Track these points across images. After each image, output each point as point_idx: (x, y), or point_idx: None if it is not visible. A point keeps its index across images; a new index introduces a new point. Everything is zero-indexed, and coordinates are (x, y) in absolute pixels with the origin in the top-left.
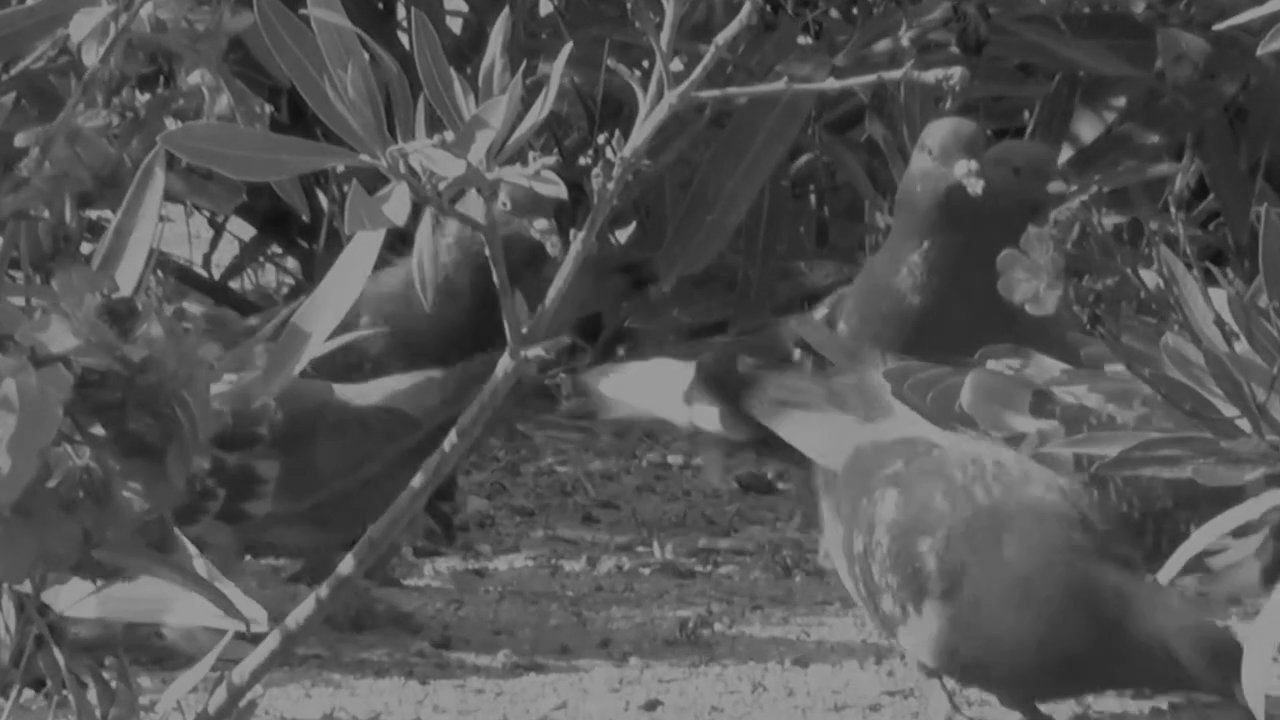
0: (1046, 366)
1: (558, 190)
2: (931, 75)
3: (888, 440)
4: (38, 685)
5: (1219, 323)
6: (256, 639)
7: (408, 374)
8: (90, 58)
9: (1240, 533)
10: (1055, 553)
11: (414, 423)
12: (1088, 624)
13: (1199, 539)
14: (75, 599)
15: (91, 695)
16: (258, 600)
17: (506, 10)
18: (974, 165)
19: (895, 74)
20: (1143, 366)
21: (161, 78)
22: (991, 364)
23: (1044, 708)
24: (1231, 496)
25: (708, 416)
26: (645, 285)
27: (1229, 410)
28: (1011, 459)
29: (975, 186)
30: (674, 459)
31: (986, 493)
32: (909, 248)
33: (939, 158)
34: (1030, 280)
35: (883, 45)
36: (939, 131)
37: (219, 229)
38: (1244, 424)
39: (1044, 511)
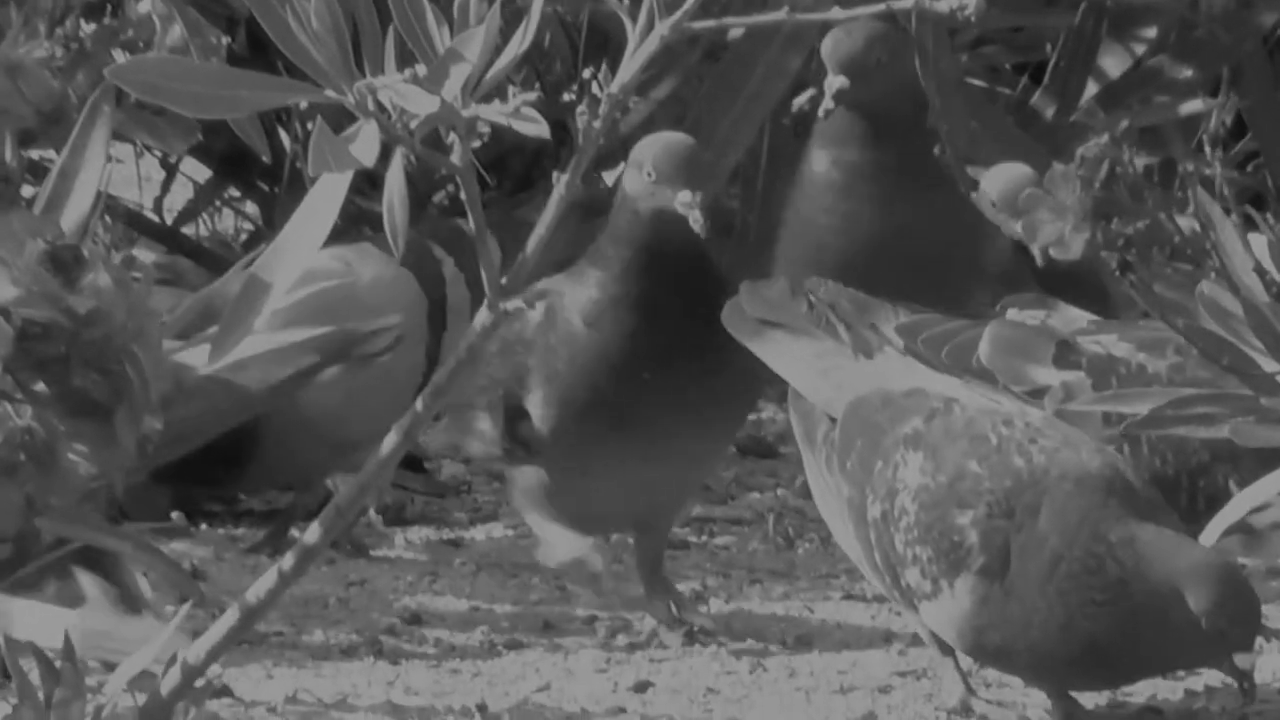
0: (1073, 316)
1: (539, 129)
2: (945, 4)
3: (897, 392)
4: None
5: (1259, 270)
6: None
7: (275, 335)
8: None
9: None
10: (1097, 530)
11: (249, 397)
12: (1123, 605)
13: (1239, 503)
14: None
15: (35, 675)
16: (213, 573)
17: None
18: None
19: (906, 3)
20: (1176, 317)
21: (108, 6)
22: (1013, 314)
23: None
24: (1275, 454)
25: None
26: None
27: (1269, 365)
28: (1040, 418)
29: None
30: None
31: (1027, 460)
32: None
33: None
34: (1055, 222)
35: None
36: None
37: (172, 170)
38: None
39: (1088, 483)
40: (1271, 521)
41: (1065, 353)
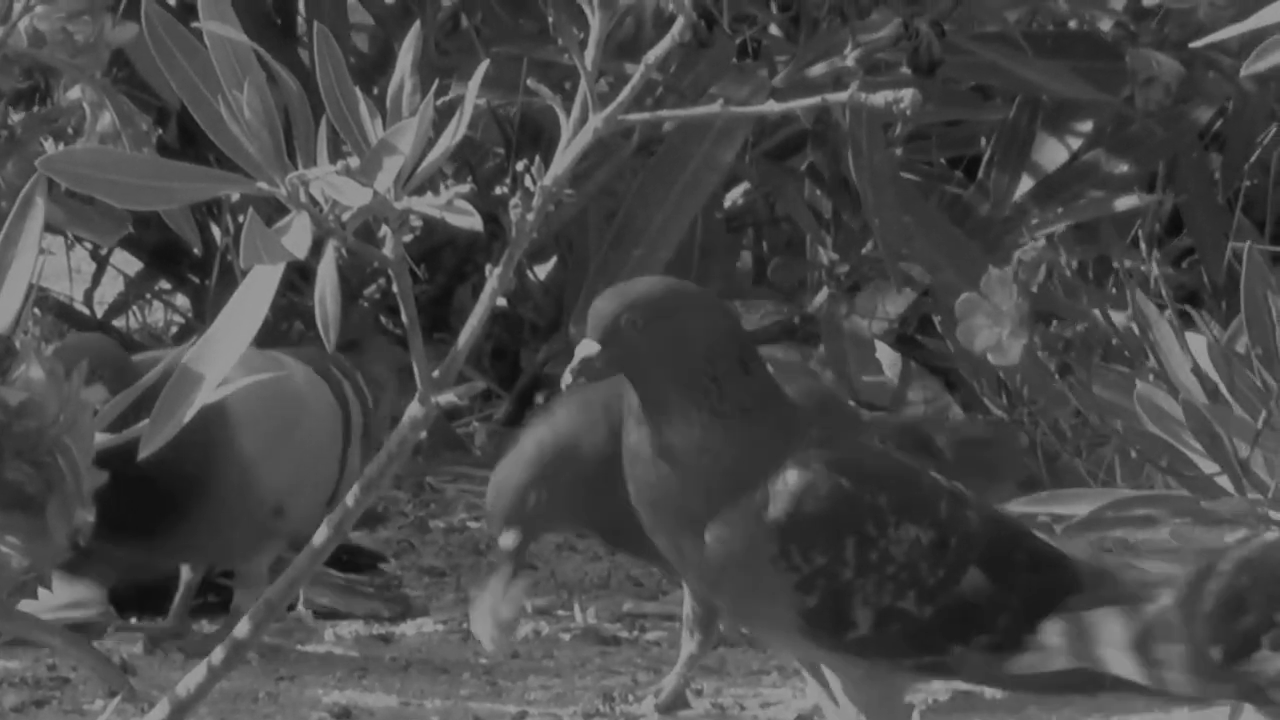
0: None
1: (472, 222)
2: (880, 98)
3: None
4: None
5: (1197, 371)
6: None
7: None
8: None
9: None
10: None
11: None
12: None
13: None
14: None
15: None
16: (143, 667)
17: (417, 25)
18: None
19: (840, 96)
20: (1115, 419)
21: (38, 93)
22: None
23: None
24: None
25: None
26: None
27: (1208, 466)
28: None
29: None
30: None
31: None
32: None
33: None
34: (992, 327)
35: (827, 65)
36: None
37: (102, 263)
38: (1224, 481)
39: None
40: None
41: None
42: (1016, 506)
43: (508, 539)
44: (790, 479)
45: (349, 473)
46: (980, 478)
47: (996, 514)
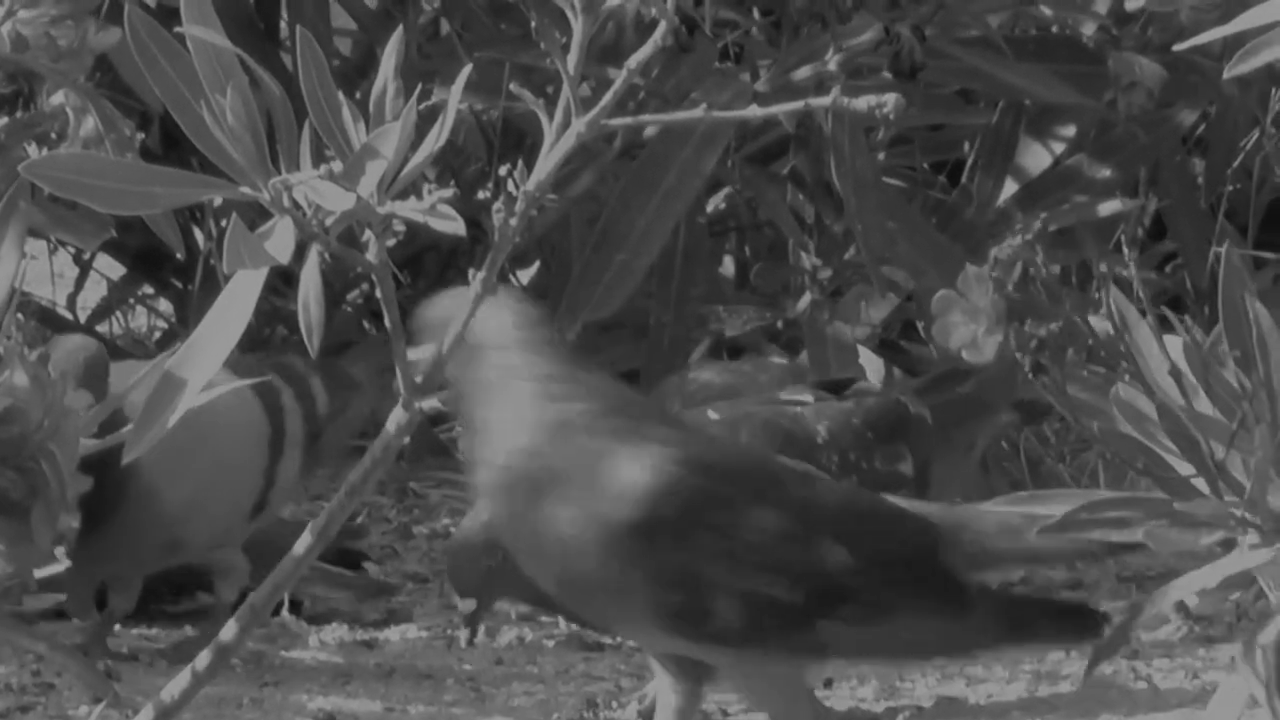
0: None
1: (455, 226)
2: (863, 102)
3: None
4: None
5: (1175, 373)
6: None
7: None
8: None
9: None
10: None
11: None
12: None
13: (1151, 609)
14: None
15: None
16: (128, 673)
17: (399, 29)
18: None
19: (823, 101)
20: (1090, 420)
21: (21, 99)
22: None
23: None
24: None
25: None
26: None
27: (1184, 468)
28: None
29: None
30: None
31: None
32: None
33: None
34: (967, 324)
35: (809, 70)
36: None
37: (85, 267)
38: (1200, 484)
39: None
40: None
41: None
42: (998, 505)
43: (465, 604)
44: (634, 478)
45: (281, 485)
46: (972, 419)
47: (852, 488)
